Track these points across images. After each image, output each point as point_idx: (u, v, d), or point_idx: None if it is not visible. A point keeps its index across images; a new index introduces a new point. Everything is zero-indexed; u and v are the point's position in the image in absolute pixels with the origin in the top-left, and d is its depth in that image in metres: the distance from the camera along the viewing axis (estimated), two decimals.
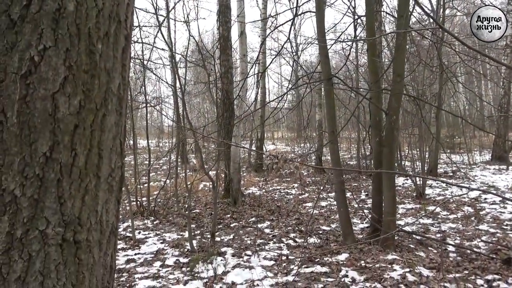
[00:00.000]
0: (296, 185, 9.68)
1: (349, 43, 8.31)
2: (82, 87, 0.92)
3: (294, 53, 12.82)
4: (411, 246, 4.65)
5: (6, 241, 0.81)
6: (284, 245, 4.89)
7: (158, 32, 6.50)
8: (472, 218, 5.92)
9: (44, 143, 0.86)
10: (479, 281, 3.59)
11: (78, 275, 0.90)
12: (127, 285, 3.81)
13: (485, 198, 7.12)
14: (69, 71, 0.90)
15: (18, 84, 0.85)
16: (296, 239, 5.12)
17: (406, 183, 9.25)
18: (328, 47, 5.30)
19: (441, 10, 9.61)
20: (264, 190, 8.78)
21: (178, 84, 6.77)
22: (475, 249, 4.42)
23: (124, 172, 1.11)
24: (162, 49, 10.38)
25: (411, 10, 5.47)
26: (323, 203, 7.44)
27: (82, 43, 0.92)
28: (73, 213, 0.89)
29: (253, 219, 6.37)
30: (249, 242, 5.09)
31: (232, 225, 6.01)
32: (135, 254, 4.77)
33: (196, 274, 3.98)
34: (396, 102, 4.73)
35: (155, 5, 7.00)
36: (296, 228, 5.72)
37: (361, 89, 8.12)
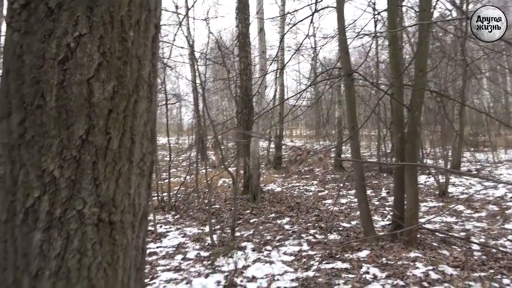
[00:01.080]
0: (315, 182, 9.63)
1: (369, 39, 8.20)
2: (115, 73, 0.95)
3: (313, 50, 12.72)
4: (434, 244, 4.57)
5: (46, 220, 0.84)
6: (304, 241, 4.88)
7: (178, 30, 6.56)
8: (498, 217, 5.77)
9: (81, 127, 0.89)
10: (506, 280, 3.50)
11: (113, 255, 0.93)
12: (150, 276, 3.88)
13: (511, 197, 6.92)
14: (103, 57, 0.93)
15: (56, 70, 0.88)
16: (316, 235, 5.10)
17: (428, 181, 9.07)
18: (348, 42, 5.25)
19: (465, 4, 9.36)
20: (283, 187, 8.77)
21: (198, 81, 6.82)
22: (501, 248, 4.30)
23: (154, 158, 1.14)
24: (181, 47, 10.50)
25: (433, 4, 5.35)
26: (343, 200, 7.38)
27: (115, 30, 0.95)
28: (108, 195, 0.92)
29: (273, 215, 6.37)
30: (269, 237, 5.10)
31: (251, 221, 6.03)
32: (157, 247, 4.85)
33: (217, 268, 4.02)
34: (418, 98, 4.65)
35: (175, 3, 7.08)
36: (316, 224, 5.69)
37: (382, 85, 8.01)
